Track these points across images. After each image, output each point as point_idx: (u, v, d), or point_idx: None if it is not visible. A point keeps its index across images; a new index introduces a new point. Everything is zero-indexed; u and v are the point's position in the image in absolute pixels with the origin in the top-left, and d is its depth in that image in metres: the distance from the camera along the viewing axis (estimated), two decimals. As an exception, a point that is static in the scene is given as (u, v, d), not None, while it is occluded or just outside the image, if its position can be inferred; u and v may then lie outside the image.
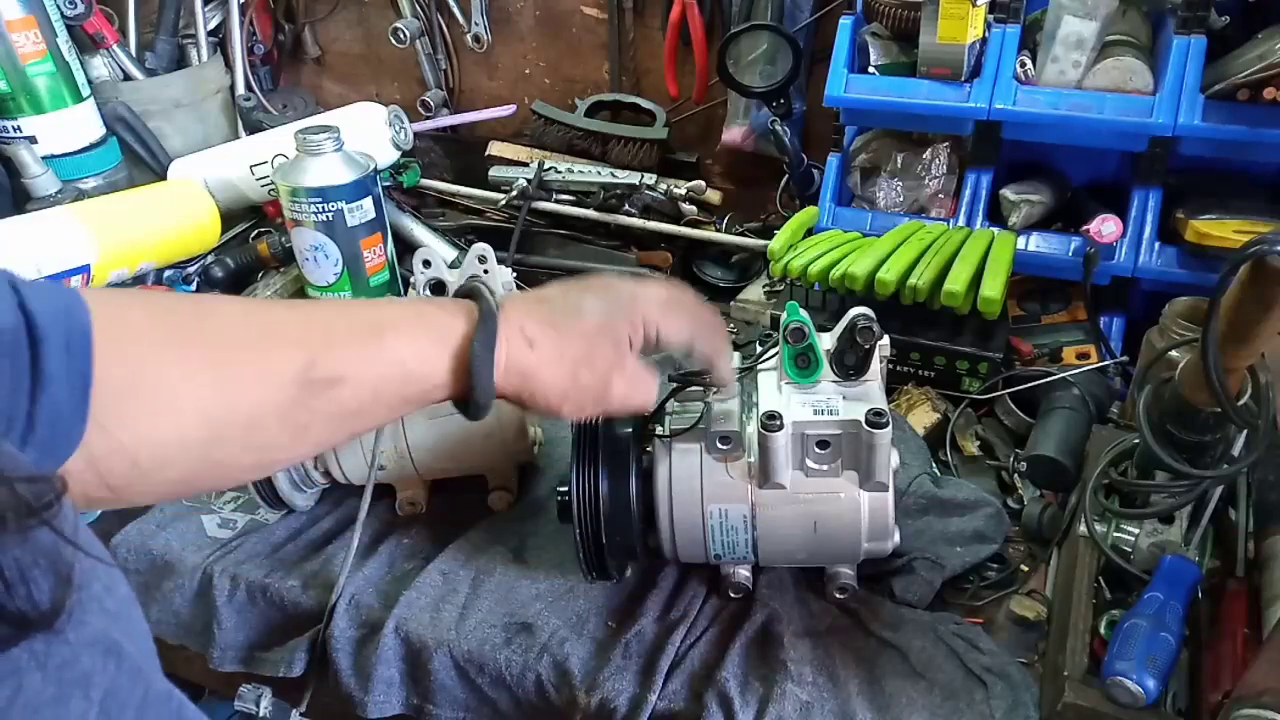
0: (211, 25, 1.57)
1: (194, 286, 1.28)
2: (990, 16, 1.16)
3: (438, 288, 0.92)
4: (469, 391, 0.62)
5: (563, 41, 1.57)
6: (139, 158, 1.46)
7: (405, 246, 1.28)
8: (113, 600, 0.37)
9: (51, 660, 0.32)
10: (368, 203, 1.13)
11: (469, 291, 0.65)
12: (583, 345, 0.65)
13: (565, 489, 0.78)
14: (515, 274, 1.00)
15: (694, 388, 0.80)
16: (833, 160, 1.27)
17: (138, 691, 0.37)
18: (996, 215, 1.19)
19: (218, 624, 0.87)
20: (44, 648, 0.32)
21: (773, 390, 0.79)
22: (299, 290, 1.24)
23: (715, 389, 0.78)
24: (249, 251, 1.30)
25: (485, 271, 0.92)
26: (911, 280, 1.02)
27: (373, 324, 0.61)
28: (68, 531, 0.34)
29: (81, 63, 1.40)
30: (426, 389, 0.62)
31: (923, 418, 1.02)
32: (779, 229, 1.20)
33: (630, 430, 0.79)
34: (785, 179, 1.39)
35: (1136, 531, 0.79)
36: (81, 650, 0.34)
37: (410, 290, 0.95)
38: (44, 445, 0.44)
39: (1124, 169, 1.18)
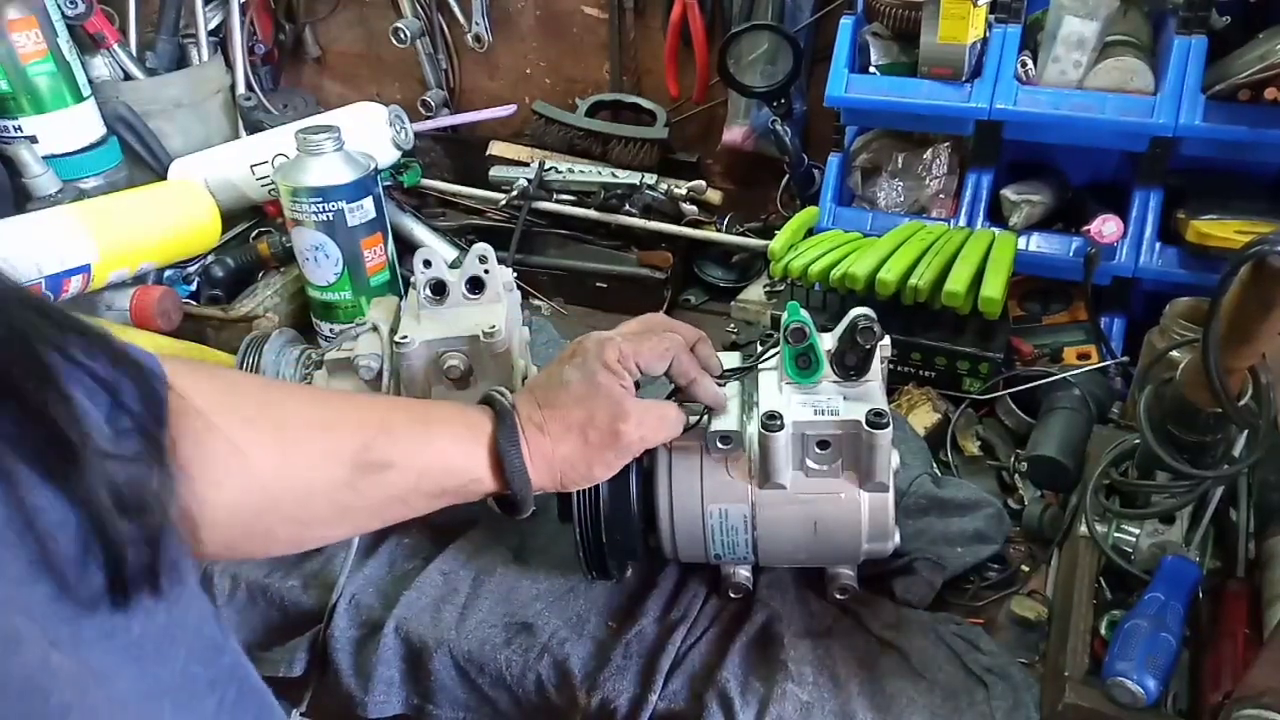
0: (212, 25, 1.57)
1: (194, 286, 1.28)
2: (991, 16, 1.16)
3: (438, 288, 0.92)
4: (505, 483, 0.67)
5: (563, 41, 1.57)
6: (139, 158, 1.46)
7: (406, 246, 1.28)
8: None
9: None
10: (368, 202, 1.13)
11: (485, 399, 0.71)
12: (579, 411, 0.69)
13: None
14: (515, 274, 1.00)
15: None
16: (833, 160, 1.27)
17: (195, 607, 0.44)
18: (997, 215, 1.19)
19: (218, 624, 0.87)
20: None
21: (773, 390, 0.78)
22: (299, 290, 1.24)
23: (714, 412, 0.78)
24: (249, 251, 1.30)
25: (486, 271, 0.92)
26: (912, 280, 1.02)
27: (421, 417, 0.67)
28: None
29: (82, 62, 1.40)
30: (464, 482, 0.68)
31: (923, 418, 1.02)
32: (779, 229, 1.20)
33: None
34: (786, 179, 1.39)
35: (1137, 532, 0.79)
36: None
37: (411, 290, 0.95)
38: None
39: (1125, 169, 1.18)
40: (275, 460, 0.59)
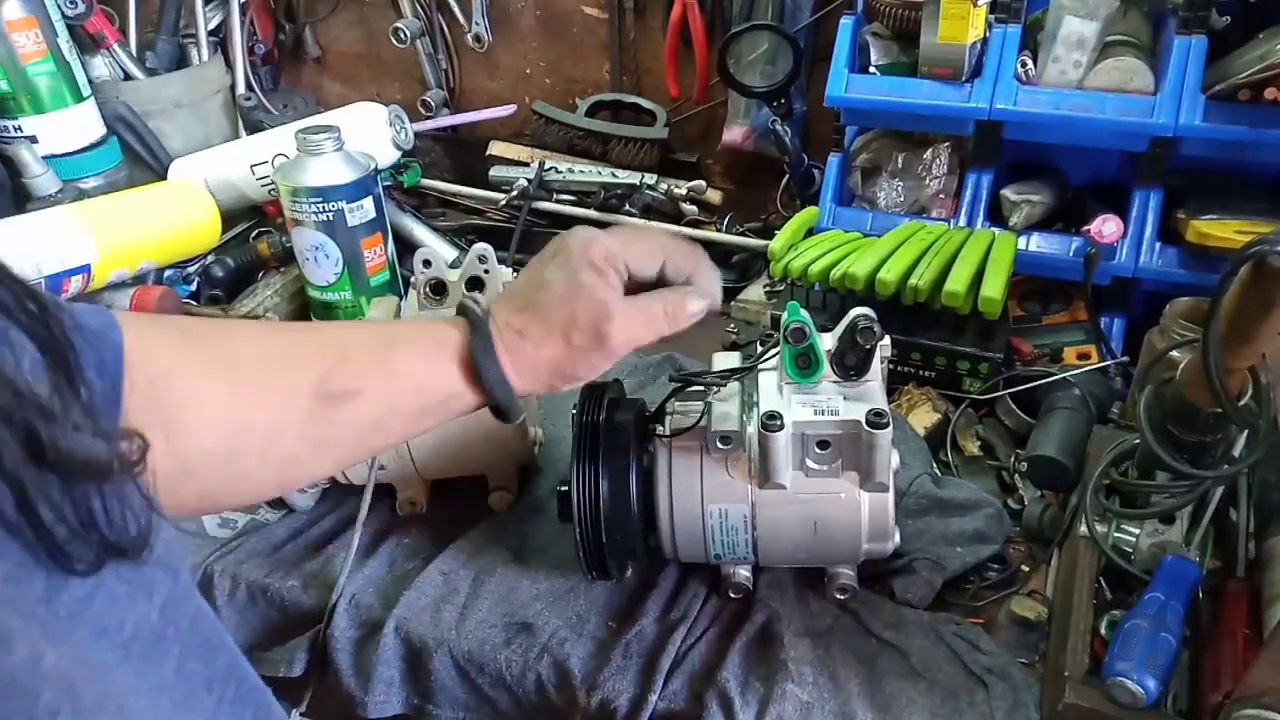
0: (212, 25, 1.57)
1: (194, 286, 1.28)
2: (991, 16, 1.16)
3: (438, 288, 0.92)
4: (486, 391, 0.64)
5: (563, 41, 1.57)
6: (139, 157, 1.46)
7: (406, 246, 1.28)
8: (167, 533, 0.43)
9: (124, 564, 0.40)
10: (368, 202, 1.13)
11: (458, 309, 0.68)
12: (561, 311, 0.65)
13: (566, 488, 0.78)
14: (515, 274, 1.00)
15: (694, 387, 0.80)
16: (833, 160, 1.27)
17: (190, 606, 0.44)
18: (997, 215, 1.19)
19: (218, 624, 0.87)
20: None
21: (773, 390, 0.78)
22: (299, 290, 1.24)
23: (717, 388, 0.78)
24: (249, 251, 1.30)
25: (486, 271, 0.92)
26: (912, 280, 1.02)
27: (383, 339, 0.65)
28: (149, 484, 0.41)
29: (82, 62, 1.40)
30: (442, 398, 0.65)
31: (923, 418, 1.02)
32: (779, 229, 1.20)
33: (631, 429, 0.79)
34: (786, 179, 1.39)
35: (1137, 532, 0.79)
36: (146, 563, 0.41)
37: (411, 290, 0.95)
38: None
39: (1125, 169, 1.18)
40: (237, 402, 0.58)
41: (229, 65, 1.60)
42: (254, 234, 1.37)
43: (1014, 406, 1.01)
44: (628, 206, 1.34)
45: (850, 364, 0.77)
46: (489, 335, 0.65)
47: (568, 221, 1.38)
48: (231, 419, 0.57)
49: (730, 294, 1.32)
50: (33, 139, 1.33)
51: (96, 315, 0.50)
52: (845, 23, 1.22)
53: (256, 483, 0.63)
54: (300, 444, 0.61)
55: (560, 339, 0.65)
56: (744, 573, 0.82)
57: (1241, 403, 0.71)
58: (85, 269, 1.14)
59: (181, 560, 0.46)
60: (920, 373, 1.07)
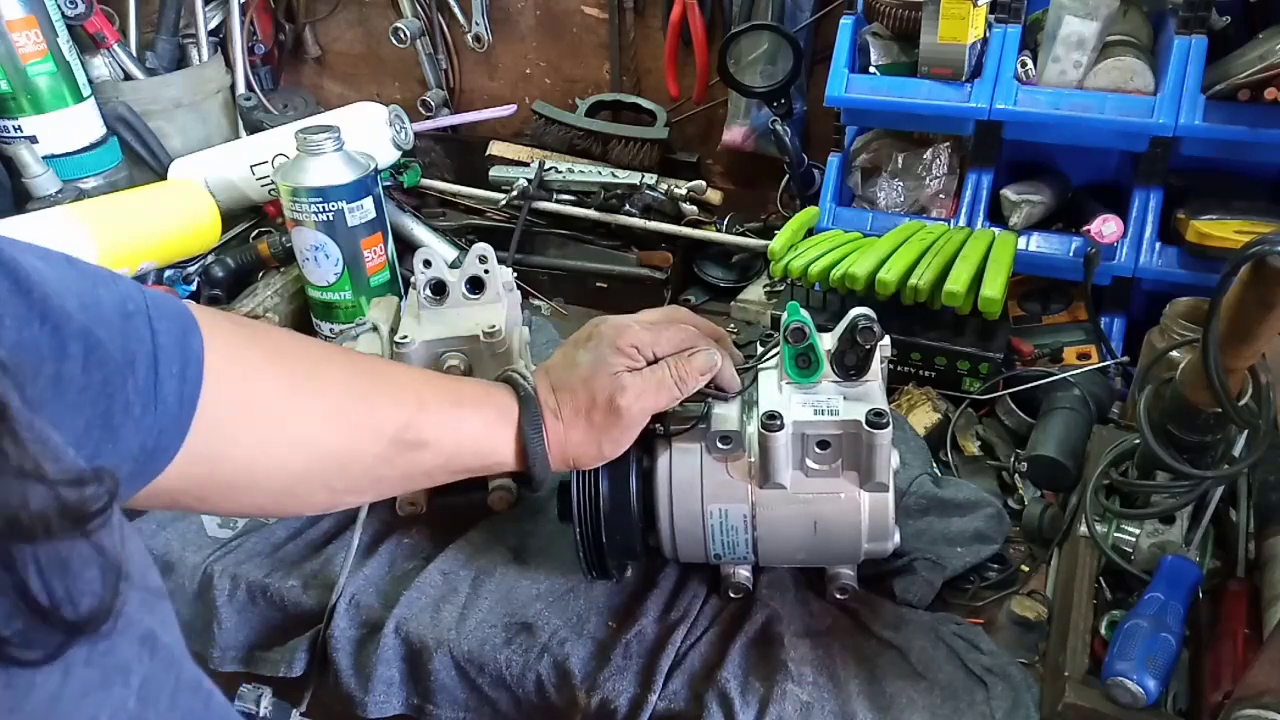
0: (212, 25, 1.57)
1: (194, 286, 1.28)
2: (991, 16, 1.16)
3: (438, 288, 0.92)
4: (525, 465, 0.69)
5: (563, 41, 1.57)
6: (139, 157, 1.46)
7: (406, 246, 1.28)
8: (148, 590, 0.39)
9: (95, 648, 0.34)
10: (368, 202, 1.13)
11: (505, 379, 0.72)
12: (585, 394, 0.70)
13: (566, 488, 0.78)
14: (515, 274, 1.00)
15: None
16: (833, 160, 1.27)
17: (170, 678, 0.39)
18: (997, 215, 1.19)
19: (218, 624, 0.87)
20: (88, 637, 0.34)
21: (773, 390, 0.78)
22: (299, 290, 1.24)
23: (720, 397, 0.78)
24: (249, 251, 1.30)
25: (486, 271, 0.92)
26: (912, 280, 1.02)
27: (454, 397, 0.68)
28: (114, 538, 0.34)
29: (82, 62, 1.40)
30: (490, 464, 0.69)
31: (923, 418, 1.02)
32: (779, 229, 1.20)
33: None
34: (786, 179, 1.39)
35: (1137, 532, 0.79)
36: (120, 640, 0.36)
37: (411, 290, 0.95)
38: (146, 454, 0.47)
39: (1125, 169, 1.18)
40: (322, 430, 0.59)
41: (229, 65, 1.60)
42: (254, 234, 1.37)
43: (1014, 406, 1.01)
44: (628, 206, 1.34)
45: (850, 364, 0.77)
46: (538, 413, 0.69)
47: (567, 221, 1.38)
48: (315, 443, 0.59)
49: (730, 294, 1.33)
50: (33, 139, 1.34)
51: (178, 319, 0.48)
52: (845, 23, 1.22)
53: (311, 504, 0.65)
54: (362, 479, 0.63)
55: (585, 420, 0.70)
56: (744, 573, 0.82)
57: (1241, 403, 0.71)
58: (85, 269, 1.14)
59: (164, 622, 0.40)
60: (920, 373, 1.07)
